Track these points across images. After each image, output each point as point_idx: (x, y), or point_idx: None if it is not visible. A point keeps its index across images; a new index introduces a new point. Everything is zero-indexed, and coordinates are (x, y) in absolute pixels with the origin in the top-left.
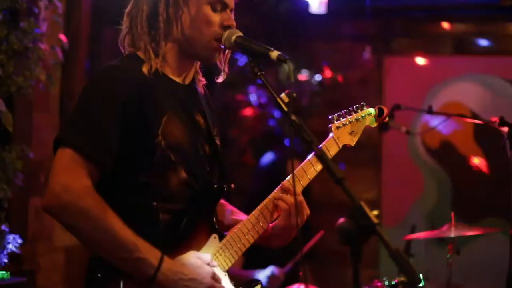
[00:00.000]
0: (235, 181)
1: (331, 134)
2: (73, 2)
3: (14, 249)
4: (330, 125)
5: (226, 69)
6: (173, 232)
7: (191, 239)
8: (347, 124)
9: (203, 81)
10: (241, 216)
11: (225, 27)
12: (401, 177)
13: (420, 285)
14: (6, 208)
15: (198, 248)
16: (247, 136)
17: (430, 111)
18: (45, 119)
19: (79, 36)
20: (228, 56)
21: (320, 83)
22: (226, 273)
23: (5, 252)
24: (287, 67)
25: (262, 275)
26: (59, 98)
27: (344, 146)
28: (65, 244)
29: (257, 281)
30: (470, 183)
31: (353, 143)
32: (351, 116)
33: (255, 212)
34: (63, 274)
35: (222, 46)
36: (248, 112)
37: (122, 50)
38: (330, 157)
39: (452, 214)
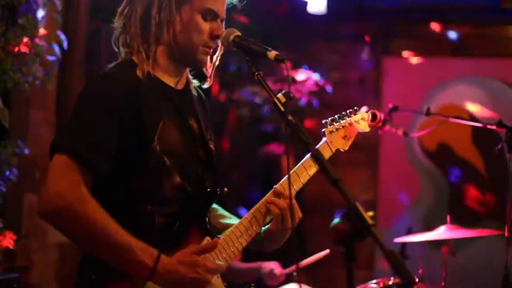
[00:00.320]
0: (229, 183)
1: (324, 139)
2: None
3: (8, 245)
4: (323, 130)
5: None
6: (168, 235)
7: (185, 242)
8: (340, 128)
9: (194, 85)
10: (233, 220)
11: (214, 37)
12: (398, 179)
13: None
14: (0, 204)
15: None
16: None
17: (428, 113)
18: (42, 116)
19: (76, 33)
20: (217, 62)
21: (318, 83)
22: (218, 276)
23: None
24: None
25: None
26: (56, 95)
27: (337, 150)
28: (59, 241)
29: (250, 284)
30: (467, 186)
31: (346, 148)
32: (344, 121)
33: (248, 215)
34: (56, 271)
35: (209, 53)
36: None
37: (116, 50)
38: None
39: (448, 216)
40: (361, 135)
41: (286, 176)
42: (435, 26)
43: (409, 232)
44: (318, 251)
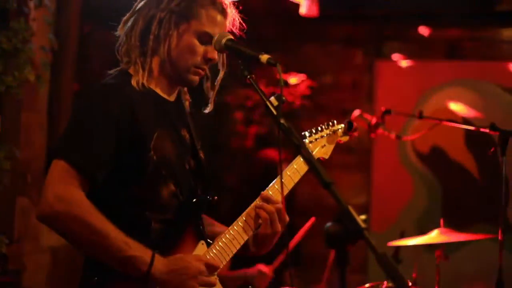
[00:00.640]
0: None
1: None
2: (62, 2)
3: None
4: (304, 140)
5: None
6: (164, 239)
7: (180, 246)
8: (319, 139)
9: (189, 99)
10: (221, 227)
11: (207, 60)
12: (391, 182)
13: None
14: None
15: (187, 254)
16: None
17: (420, 116)
18: (34, 119)
19: (68, 36)
20: (217, 87)
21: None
22: (216, 277)
23: None
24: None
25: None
26: (48, 98)
27: (318, 159)
28: (51, 245)
29: (247, 286)
30: (460, 189)
31: (327, 156)
32: (322, 132)
33: (238, 221)
34: (48, 275)
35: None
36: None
37: (119, 58)
38: (302, 172)
39: (442, 220)
40: (336, 147)
41: (275, 179)
42: (427, 30)
43: (402, 235)
44: (311, 254)
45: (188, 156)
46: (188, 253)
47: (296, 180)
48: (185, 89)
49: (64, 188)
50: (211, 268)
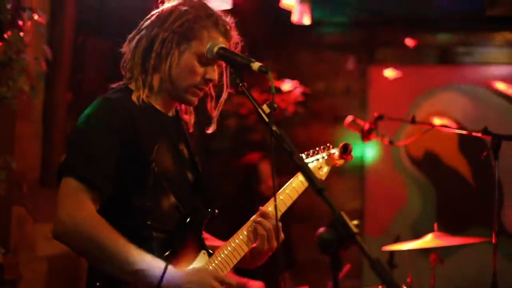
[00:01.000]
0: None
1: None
2: (56, 13)
3: None
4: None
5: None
6: (166, 249)
7: (182, 255)
8: (315, 161)
9: (186, 118)
10: (217, 242)
11: (207, 80)
12: (385, 187)
13: None
14: None
15: (189, 262)
16: None
17: (413, 121)
18: (28, 129)
19: (62, 47)
20: (221, 107)
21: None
22: None
23: None
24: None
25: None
26: (42, 108)
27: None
28: (48, 254)
29: None
30: (454, 193)
31: (323, 178)
32: (318, 155)
33: (239, 233)
34: (45, 284)
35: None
36: None
37: (123, 74)
38: (298, 193)
39: (436, 224)
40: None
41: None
42: (420, 35)
43: (397, 240)
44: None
45: (186, 170)
46: (189, 261)
47: (294, 197)
48: (191, 108)
49: (75, 205)
50: (226, 286)
